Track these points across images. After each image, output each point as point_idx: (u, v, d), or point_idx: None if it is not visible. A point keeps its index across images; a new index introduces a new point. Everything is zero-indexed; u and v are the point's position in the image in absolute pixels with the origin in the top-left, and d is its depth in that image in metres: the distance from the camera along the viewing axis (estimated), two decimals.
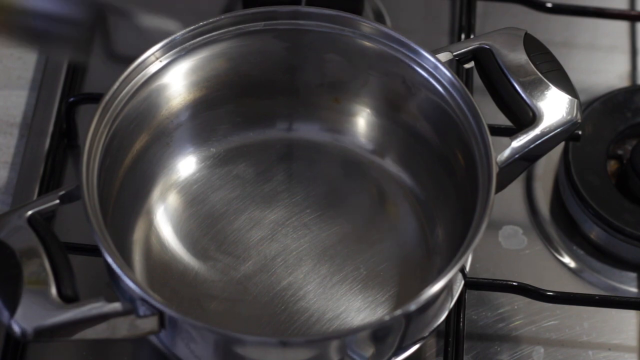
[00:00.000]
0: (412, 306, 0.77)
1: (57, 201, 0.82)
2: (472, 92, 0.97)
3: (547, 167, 1.01)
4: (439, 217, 0.92)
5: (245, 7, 1.03)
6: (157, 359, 0.88)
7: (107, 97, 0.85)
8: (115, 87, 0.86)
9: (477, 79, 0.93)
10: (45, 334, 0.75)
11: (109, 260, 0.77)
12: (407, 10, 1.10)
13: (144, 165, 0.91)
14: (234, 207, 0.93)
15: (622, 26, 1.11)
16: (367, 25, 0.90)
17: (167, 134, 0.92)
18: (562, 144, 0.98)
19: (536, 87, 0.88)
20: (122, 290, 0.78)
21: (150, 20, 0.95)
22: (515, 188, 0.99)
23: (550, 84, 0.88)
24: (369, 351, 0.80)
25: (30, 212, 0.80)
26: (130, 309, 0.77)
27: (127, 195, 0.89)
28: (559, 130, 0.86)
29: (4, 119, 1.02)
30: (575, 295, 0.92)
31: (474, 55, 0.90)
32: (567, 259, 0.97)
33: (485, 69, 0.90)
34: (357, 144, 0.96)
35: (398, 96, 0.92)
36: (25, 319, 0.75)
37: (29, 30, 0.92)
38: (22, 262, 0.77)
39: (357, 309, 0.88)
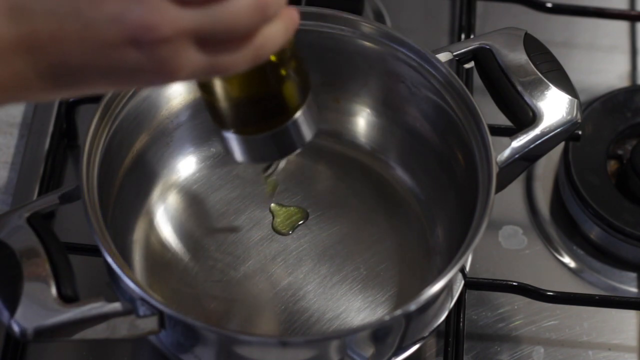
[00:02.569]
0: (412, 306, 0.77)
1: (57, 201, 0.82)
2: (472, 92, 0.97)
3: (547, 167, 1.01)
4: (439, 217, 0.92)
5: None
6: (157, 359, 0.88)
7: (107, 97, 0.85)
8: None
9: (477, 79, 0.93)
10: (45, 334, 0.75)
11: (109, 260, 0.77)
12: (407, 10, 1.10)
13: (144, 165, 0.91)
14: (234, 207, 0.93)
15: (622, 26, 1.11)
16: (367, 25, 0.90)
17: (167, 134, 0.92)
18: (562, 144, 0.98)
19: (536, 87, 0.88)
20: (122, 290, 0.78)
21: None
22: (515, 188, 0.99)
23: (550, 84, 0.88)
24: (369, 351, 0.80)
25: (30, 212, 0.80)
26: (130, 309, 0.77)
27: (127, 195, 0.89)
28: (559, 130, 0.86)
29: (4, 119, 1.02)
30: (575, 295, 0.92)
31: (474, 55, 0.90)
32: (567, 259, 0.97)
33: (485, 69, 0.90)
34: (357, 144, 0.96)
35: (398, 96, 0.92)
36: (25, 319, 0.75)
37: None
38: (22, 262, 0.77)
39: (357, 309, 0.88)
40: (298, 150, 0.78)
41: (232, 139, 0.77)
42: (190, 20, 0.62)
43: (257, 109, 0.75)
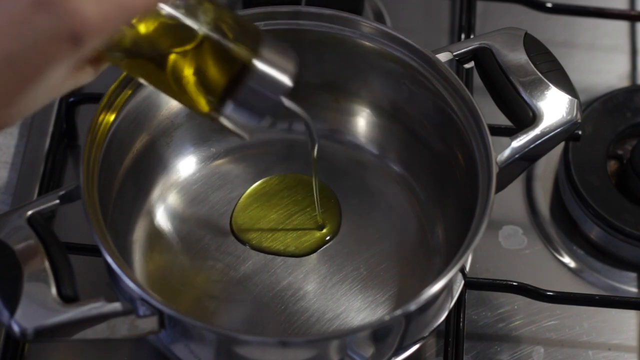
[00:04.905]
0: (412, 306, 0.77)
1: (57, 201, 0.82)
2: (472, 92, 0.97)
3: (547, 167, 1.01)
4: (439, 217, 0.92)
5: (245, 7, 1.03)
6: (157, 359, 0.88)
7: (107, 97, 0.85)
8: (115, 87, 0.86)
9: (477, 79, 0.93)
10: (45, 334, 0.75)
11: (109, 260, 0.77)
12: (407, 10, 1.10)
13: (144, 165, 0.91)
14: (234, 207, 0.93)
15: (622, 26, 1.11)
16: (367, 25, 0.90)
17: (167, 134, 0.92)
18: (562, 144, 0.98)
19: (536, 87, 0.88)
20: (122, 290, 0.78)
21: None
22: (515, 188, 0.99)
23: (550, 84, 0.88)
24: (369, 351, 0.80)
25: (30, 212, 0.80)
26: (130, 309, 0.77)
27: (127, 195, 0.89)
28: (559, 130, 0.86)
29: None
30: (575, 295, 0.92)
31: (474, 55, 0.90)
32: (567, 259, 0.97)
33: (485, 69, 0.90)
34: (357, 144, 0.96)
35: (398, 96, 0.92)
36: (25, 319, 0.75)
37: None
38: (22, 262, 0.77)
39: (357, 309, 0.88)
40: (284, 101, 0.75)
41: (219, 121, 0.75)
42: None
43: (211, 80, 0.72)
